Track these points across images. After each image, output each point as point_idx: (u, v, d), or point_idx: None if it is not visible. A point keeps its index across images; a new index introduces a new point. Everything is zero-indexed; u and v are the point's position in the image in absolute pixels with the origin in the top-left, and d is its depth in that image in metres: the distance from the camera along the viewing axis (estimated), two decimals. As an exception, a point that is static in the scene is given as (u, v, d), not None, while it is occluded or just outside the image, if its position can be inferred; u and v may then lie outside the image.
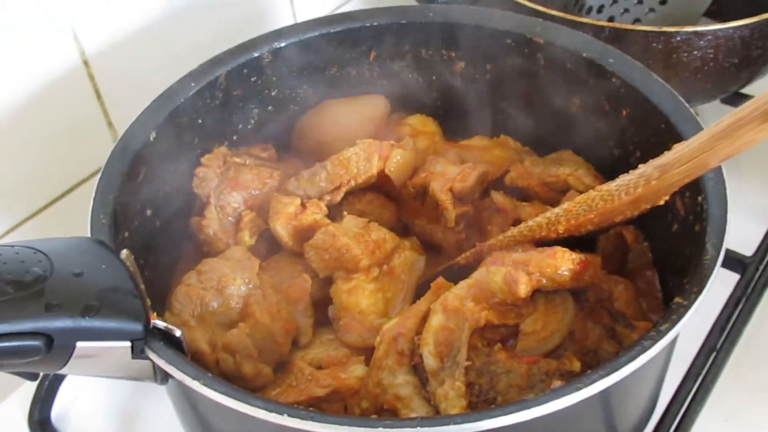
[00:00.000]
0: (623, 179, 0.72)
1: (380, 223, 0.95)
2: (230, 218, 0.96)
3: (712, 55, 1.13)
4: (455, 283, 0.85)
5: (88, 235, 0.78)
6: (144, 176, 0.90)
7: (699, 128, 0.83)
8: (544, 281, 0.75)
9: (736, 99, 1.25)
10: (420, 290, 0.92)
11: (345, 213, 0.95)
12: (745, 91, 1.25)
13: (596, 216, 0.74)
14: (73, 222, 1.07)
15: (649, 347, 0.64)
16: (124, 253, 0.77)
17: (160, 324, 0.68)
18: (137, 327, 0.66)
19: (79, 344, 0.64)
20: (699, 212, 0.77)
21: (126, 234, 0.84)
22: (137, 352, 0.67)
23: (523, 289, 0.74)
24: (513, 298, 0.76)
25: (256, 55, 1.01)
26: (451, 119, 1.12)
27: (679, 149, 0.66)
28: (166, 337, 0.69)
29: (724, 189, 0.76)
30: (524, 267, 0.76)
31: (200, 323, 0.81)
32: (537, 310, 0.77)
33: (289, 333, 0.84)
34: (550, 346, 0.76)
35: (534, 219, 0.81)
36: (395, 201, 1.01)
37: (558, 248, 0.76)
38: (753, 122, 0.57)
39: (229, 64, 0.99)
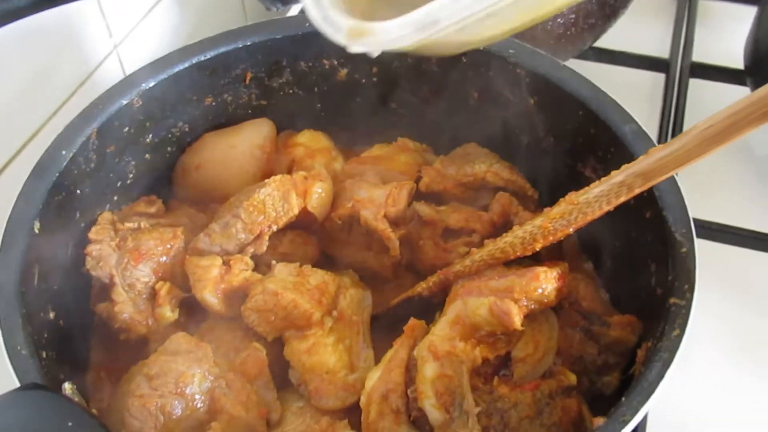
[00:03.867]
0: (599, 188, 0.70)
1: (305, 261, 0.88)
2: (143, 295, 0.84)
3: (573, 20, 1.15)
4: (415, 316, 0.81)
5: (12, 375, 0.64)
6: (38, 276, 0.76)
7: (625, 115, 0.83)
8: (533, 305, 0.73)
9: (589, 54, 1.28)
10: (374, 325, 0.87)
11: (273, 262, 0.86)
12: (594, 45, 1.29)
13: (574, 229, 0.72)
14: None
15: (671, 358, 0.64)
16: (68, 387, 0.65)
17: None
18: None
19: None
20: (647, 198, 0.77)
21: (44, 353, 0.71)
22: None
23: (518, 320, 0.71)
24: (503, 329, 0.73)
25: (125, 102, 0.88)
26: (342, 129, 1.05)
27: (662, 155, 0.65)
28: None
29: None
30: (508, 294, 0.72)
31: (166, 436, 0.70)
32: (524, 333, 0.75)
33: (264, 417, 0.75)
34: (546, 365, 0.75)
35: (504, 239, 0.77)
36: (315, 234, 0.93)
37: (539, 269, 0.74)
38: (753, 123, 0.57)
39: (98, 119, 0.85)
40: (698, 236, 0.74)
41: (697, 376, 0.94)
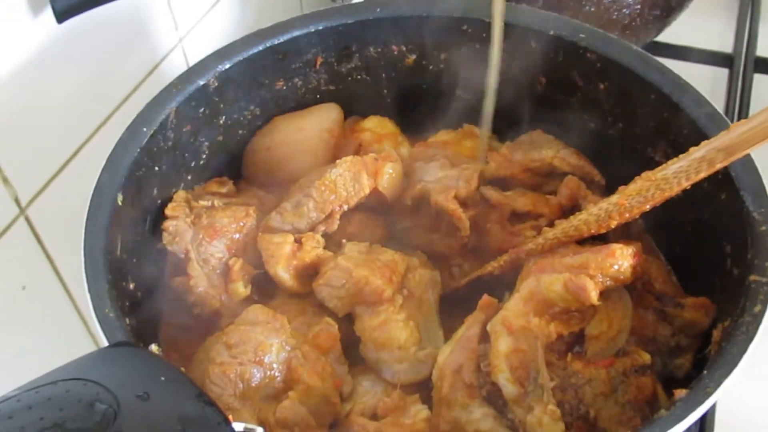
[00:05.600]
0: (678, 164, 0.70)
1: (373, 242, 0.89)
2: (217, 271, 0.86)
3: (638, 10, 1.15)
4: (488, 294, 0.81)
5: (102, 337, 0.66)
6: (121, 247, 0.78)
7: (700, 97, 0.83)
8: (609, 282, 0.73)
9: (652, 48, 1.28)
10: (442, 304, 0.88)
11: (344, 241, 0.87)
12: (658, 39, 1.28)
13: (651, 206, 0.72)
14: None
15: (754, 333, 0.64)
16: (155, 348, 0.67)
17: (240, 426, 0.59)
18: (226, 440, 0.56)
19: (171, 479, 0.54)
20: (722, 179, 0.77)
21: (127, 321, 0.72)
22: (226, 466, 0.57)
23: (595, 296, 0.71)
24: (577, 305, 0.73)
25: (202, 83, 0.90)
26: (408, 116, 1.06)
27: (745, 129, 0.65)
28: (248, 438, 0.60)
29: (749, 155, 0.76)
30: (584, 271, 0.73)
31: (244, 402, 0.72)
32: (598, 311, 0.75)
33: (339, 388, 0.76)
34: (620, 344, 0.75)
35: (578, 217, 0.78)
36: (384, 215, 0.94)
37: (615, 245, 0.74)
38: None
39: (176, 98, 0.87)
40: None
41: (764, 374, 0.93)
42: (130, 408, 0.54)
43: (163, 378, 0.58)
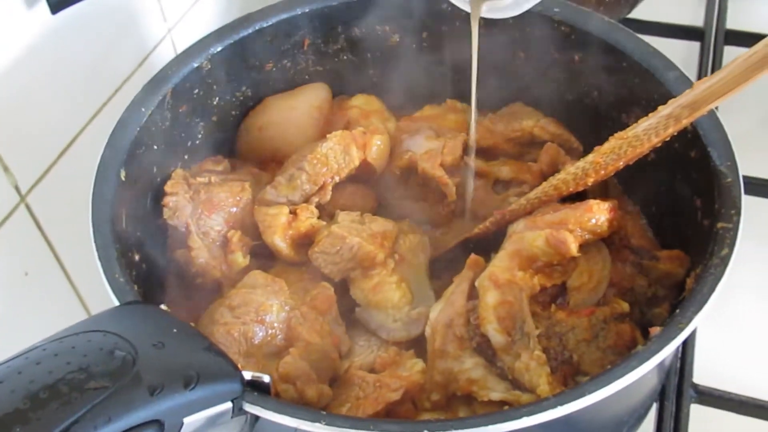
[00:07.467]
0: (647, 122, 0.75)
1: (365, 212, 0.94)
2: (216, 243, 0.90)
3: (611, -14, 1.19)
4: (474, 253, 0.86)
5: (113, 300, 0.70)
6: (125, 218, 0.82)
7: (668, 62, 0.88)
8: (587, 235, 0.78)
9: (624, 25, 1.32)
10: (432, 267, 0.92)
11: (337, 211, 0.91)
12: (630, 16, 1.33)
13: (624, 162, 0.77)
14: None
15: (722, 273, 0.68)
16: (164, 308, 0.71)
17: (249, 374, 0.63)
18: (236, 385, 0.61)
19: (186, 420, 0.58)
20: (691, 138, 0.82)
21: (136, 288, 0.76)
22: (236, 411, 0.62)
23: (574, 248, 0.76)
24: (559, 259, 0.78)
25: (195, 65, 0.94)
26: (392, 93, 1.10)
27: (707, 85, 0.70)
28: (255, 385, 0.64)
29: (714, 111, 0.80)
30: (563, 226, 0.77)
31: (248, 359, 0.76)
32: (579, 264, 0.80)
33: (337, 346, 0.81)
34: (600, 294, 0.79)
35: (557, 177, 0.82)
36: (373, 187, 0.99)
37: (591, 201, 0.78)
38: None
39: (171, 80, 0.91)
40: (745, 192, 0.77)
41: (737, 320, 0.98)
42: (147, 355, 0.58)
43: (175, 330, 0.62)
